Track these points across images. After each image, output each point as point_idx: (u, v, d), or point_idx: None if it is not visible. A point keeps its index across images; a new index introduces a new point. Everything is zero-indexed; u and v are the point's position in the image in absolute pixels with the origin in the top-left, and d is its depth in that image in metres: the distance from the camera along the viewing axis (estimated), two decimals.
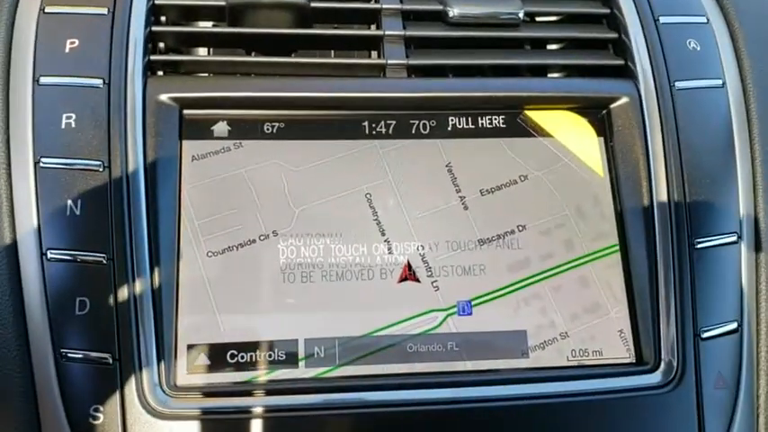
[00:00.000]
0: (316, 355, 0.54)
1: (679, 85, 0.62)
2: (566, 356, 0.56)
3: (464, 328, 0.56)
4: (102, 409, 0.50)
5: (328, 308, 0.55)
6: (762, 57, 0.65)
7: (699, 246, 0.58)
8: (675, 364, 0.55)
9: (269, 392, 0.52)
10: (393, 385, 0.53)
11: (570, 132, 0.62)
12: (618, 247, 0.59)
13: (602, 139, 0.62)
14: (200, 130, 0.58)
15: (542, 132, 0.61)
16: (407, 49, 0.62)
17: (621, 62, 0.63)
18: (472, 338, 0.56)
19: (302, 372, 0.54)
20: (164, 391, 0.51)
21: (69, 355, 0.51)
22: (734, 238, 0.59)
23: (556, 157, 0.61)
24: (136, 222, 0.53)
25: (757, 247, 0.60)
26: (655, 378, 0.55)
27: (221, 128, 0.58)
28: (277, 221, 0.57)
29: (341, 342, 0.55)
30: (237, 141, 0.58)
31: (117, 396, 0.50)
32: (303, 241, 0.56)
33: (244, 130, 0.58)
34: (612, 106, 0.61)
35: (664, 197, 0.59)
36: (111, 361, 0.51)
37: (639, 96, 0.61)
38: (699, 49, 0.64)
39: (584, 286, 0.58)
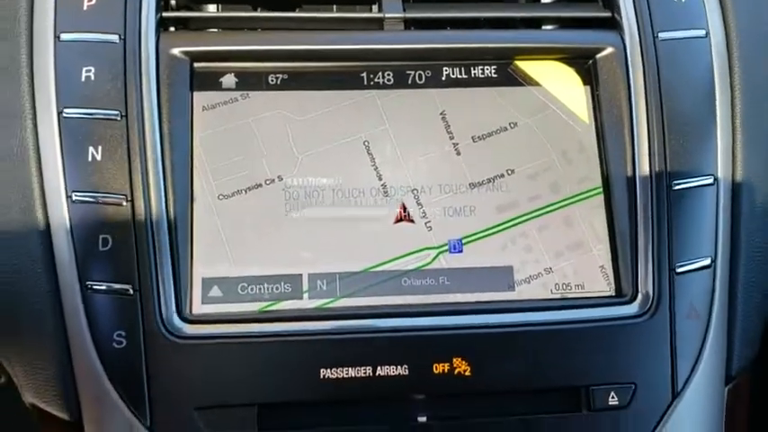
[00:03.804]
0: (318, 288, 0.59)
1: (662, 35, 0.64)
2: (549, 290, 0.60)
3: (455, 264, 0.60)
4: (124, 334, 0.55)
5: (330, 246, 0.60)
6: (745, 5, 0.67)
7: (676, 187, 0.61)
8: (651, 296, 0.59)
9: (275, 320, 0.57)
10: (389, 314, 0.58)
11: (558, 81, 0.65)
12: (601, 190, 0.62)
13: (588, 87, 0.65)
14: (210, 81, 0.62)
15: (532, 81, 0.65)
16: (405, 3, 0.65)
17: (608, 14, 0.66)
18: (462, 273, 0.60)
19: (306, 303, 0.58)
20: (181, 319, 0.56)
21: (94, 287, 0.56)
22: (710, 180, 0.62)
23: (544, 105, 0.64)
24: (152, 167, 0.57)
25: (734, 189, 0.63)
26: (632, 309, 0.59)
27: (229, 80, 0.62)
28: (282, 167, 0.61)
29: (341, 277, 0.59)
30: (244, 92, 0.62)
31: (138, 323, 0.55)
32: (306, 185, 0.61)
33: (250, 82, 0.62)
34: (598, 56, 0.64)
35: (644, 143, 0.62)
36: (131, 292, 0.55)
37: (624, 47, 0.64)
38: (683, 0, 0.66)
39: (569, 225, 0.62)
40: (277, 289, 0.58)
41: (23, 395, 0.60)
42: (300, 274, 0.59)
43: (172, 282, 0.56)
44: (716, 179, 0.62)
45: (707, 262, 0.61)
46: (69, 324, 0.56)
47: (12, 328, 0.58)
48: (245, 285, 0.58)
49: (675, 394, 0.59)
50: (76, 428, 0.57)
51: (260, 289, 0.58)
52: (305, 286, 0.59)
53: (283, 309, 0.58)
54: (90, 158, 0.57)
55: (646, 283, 0.60)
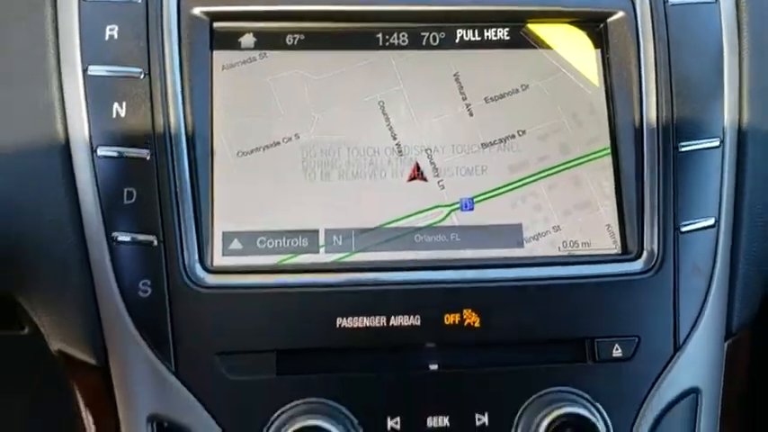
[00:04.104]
0: (334, 243, 0.61)
1: (672, 0, 0.66)
2: (557, 247, 0.63)
3: (466, 221, 0.62)
4: (149, 283, 0.57)
5: (345, 202, 0.62)
6: None
7: (682, 149, 0.63)
8: (656, 253, 0.61)
9: (293, 272, 0.59)
10: (402, 268, 0.60)
11: (569, 45, 0.66)
12: (609, 151, 0.64)
13: (599, 51, 0.66)
14: (229, 41, 0.63)
15: (544, 44, 0.66)
16: None
17: None
18: (473, 231, 0.62)
19: (322, 257, 0.61)
20: (203, 269, 0.58)
21: (119, 238, 0.58)
22: (716, 143, 0.64)
23: (555, 67, 0.66)
24: (175, 123, 0.59)
25: (739, 152, 0.65)
26: (637, 266, 0.61)
27: (248, 39, 0.64)
28: (299, 125, 0.63)
29: (356, 232, 0.61)
30: (263, 52, 0.64)
31: (162, 273, 0.57)
32: (322, 143, 0.63)
33: (268, 42, 0.64)
34: (609, 20, 0.66)
35: (653, 105, 0.64)
36: (156, 243, 0.58)
37: (635, 11, 0.65)
38: None
39: (577, 185, 0.64)
40: (294, 243, 0.61)
41: (50, 343, 0.62)
42: (317, 230, 0.61)
43: (194, 233, 0.58)
44: (722, 142, 0.64)
45: (711, 222, 0.63)
46: (96, 274, 0.59)
47: (40, 278, 0.60)
48: (264, 239, 0.60)
49: (677, 348, 0.61)
50: (103, 372, 0.59)
51: (278, 243, 0.60)
52: (321, 241, 0.61)
53: (300, 262, 0.60)
54: (114, 115, 0.59)
55: (651, 242, 0.62)
